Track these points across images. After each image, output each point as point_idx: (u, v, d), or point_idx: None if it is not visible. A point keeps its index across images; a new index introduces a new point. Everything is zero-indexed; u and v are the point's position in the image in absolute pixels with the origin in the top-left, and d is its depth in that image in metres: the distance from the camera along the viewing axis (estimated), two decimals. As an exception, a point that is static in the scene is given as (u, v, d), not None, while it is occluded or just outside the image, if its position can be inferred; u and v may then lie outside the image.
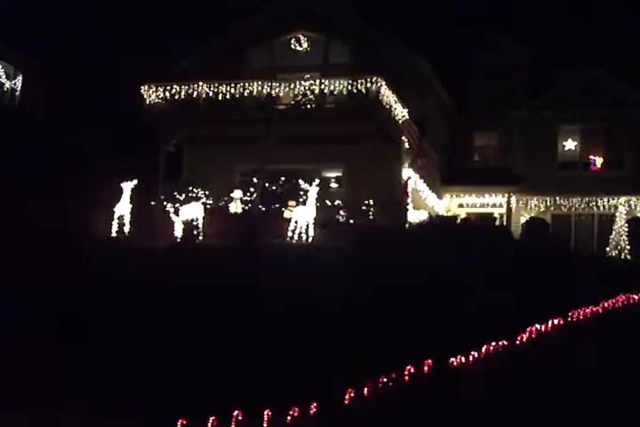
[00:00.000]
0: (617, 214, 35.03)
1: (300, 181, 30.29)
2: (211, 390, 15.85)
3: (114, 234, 29.47)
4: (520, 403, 15.82)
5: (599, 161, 40.12)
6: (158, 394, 15.79)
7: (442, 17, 48.81)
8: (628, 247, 33.76)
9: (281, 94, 33.67)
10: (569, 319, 21.26)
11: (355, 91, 32.34)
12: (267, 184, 32.79)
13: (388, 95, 32.48)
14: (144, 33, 48.42)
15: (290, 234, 28.41)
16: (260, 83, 33.45)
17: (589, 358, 18.07)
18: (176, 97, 34.05)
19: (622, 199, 37.50)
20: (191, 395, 15.55)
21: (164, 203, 31.49)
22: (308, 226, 28.48)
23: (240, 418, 14.32)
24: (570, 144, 40.61)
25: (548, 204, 39.67)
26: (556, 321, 20.64)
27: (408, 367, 16.30)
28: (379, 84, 32.07)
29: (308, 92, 32.97)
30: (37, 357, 17.55)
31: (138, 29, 48.90)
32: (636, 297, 24.64)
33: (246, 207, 32.20)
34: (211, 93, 33.62)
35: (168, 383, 16.21)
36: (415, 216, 33.84)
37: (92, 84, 44.48)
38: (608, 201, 38.75)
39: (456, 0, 52.17)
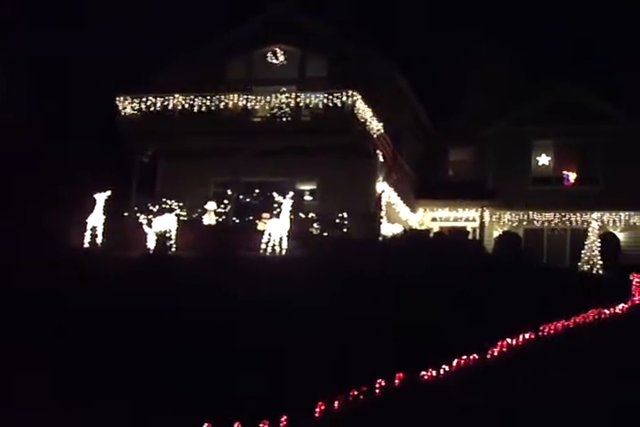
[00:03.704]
0: (589, 229, 35.09)
1: (275, 194, 30.32)
2: (184, 400, 15.80)
3: (86, 245, 29.36)
4: (492, 414, 15.86)
5: (572, 176, 40.32)
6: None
7: (418, 31, 49.09)
8: (601, 262, 33.87)
9: (257, 107, 33.71)
10: (540, 333, 21.36)
11: (330, 104, 32.46)
12: (241, 196, 32.81)
13: (363, 109, 32.61)
14: (121, 42, 48.42)
15: (263, 246, 28.41)
16: (235, 95, 33.51)
17: (560, 372, 18.16)
18: (151, 109, 34.03)
19: (595, 214, 37.65)
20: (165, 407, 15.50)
21: (138, 214, 31.43)
22: (281, 238, 28.48)
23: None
24: (543, 159, 40.79)
25: (521, 218, 39.80)
26: (527, 335, 20.73)
27: (379, 381, 16.32)
28: (354, 98, 32.22)
29: (283, 105, 33.04)
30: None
31: (115, 38, 48.91)
32: (607, 312, 24.77)
33: (220, 219, 32.19)
34: (186, 105, 33.65)
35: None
36: (389, 229, 33.89)
37: (66, 94, 44.35)
38: (581, 216, 38.93)
39: (430, 14, 52.45)
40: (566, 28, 54.60)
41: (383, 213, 33.75)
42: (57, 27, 48.76)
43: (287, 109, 33.00)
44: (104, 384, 16.35)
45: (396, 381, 16.65)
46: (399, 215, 36.99)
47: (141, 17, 50.97)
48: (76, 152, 39.84)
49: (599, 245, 34.36)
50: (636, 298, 27.55)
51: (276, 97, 33.20)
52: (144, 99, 34.12)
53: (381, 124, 33.91)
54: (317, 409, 15.10)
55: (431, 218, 41.45)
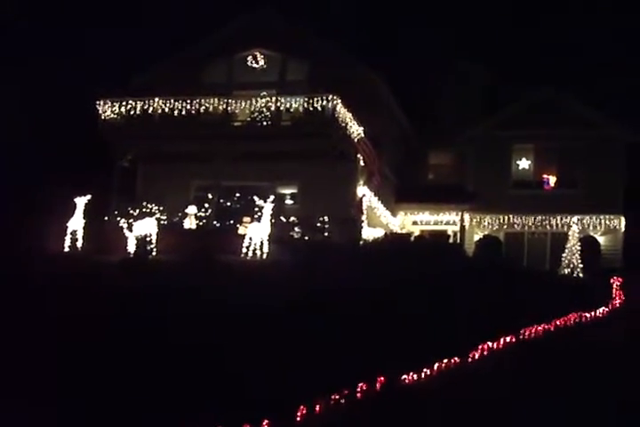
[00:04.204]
0: (570, 233, 35.18)
1: (255, 198, 30.30)
2: (165, 403, 15.74)
3: (66, 249, 29.27)
4: (473, 418, 15.88)
5: (552, 180, 40.41)
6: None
7: (398, 38, 49.21)
8: (581, 266, 33.97)
9: (237, 111, 33.68)
10: (520, 337, 21.41)
11: (311, 108, 32.47)
12: (221, 200, 32.76)
13: (343, 113, 32.65)
14: (102, 45, 48.36)
15: (244, 250, 28.38)
16: (216, 99, 33.50)
17: (540, 376, 18.20)
18: (131, 112, 33.97)
19: (575, 218, 37.75)
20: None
21: (118, 218, 31.35)
22: (262, 242, 28.48)
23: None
24: (524, 163, 40.88)
25: (502, 222, 39.86)
26: (507, 339, 20.77)
27: (360, 384, 16.30)
28: (335, 103, 32.25)
29: (264, 109, 33.01)
30: None
31: (96, 41, 48.83)
32: (587, 315, 24.86)
33: (201, 223, 32.14)
34: (166, 109, 33.60)
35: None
36: (370, 233, 33.92)
37: (45, 98, 44.20)
38: (561, 220, 39.03)
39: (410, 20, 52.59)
40: (547, 32, 54.78)
41: (364, 217, 33.77)
42: (37, 27, 48.70)
43: (267, 113, 32.98)
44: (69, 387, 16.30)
45: (377, 385, 16.63)
46: (380, 219, 37.00)
47: (121, 20, 50.96)
48: (56, 156, 39.68)
49: (579, 248, 34.47)
50: (617, 301, 27.70)
51: (257, 101, 33.20)
52: (124, 102, 34.06)
53: (362, 128, 33.95)
54: (299, 413, 15.06)
55: (412, 222, 41.49)
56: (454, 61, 43.78)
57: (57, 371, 16.95)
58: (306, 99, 32.67)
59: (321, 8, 46.64)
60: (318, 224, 31.26)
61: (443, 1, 57.57)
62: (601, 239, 38.49)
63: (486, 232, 39.22)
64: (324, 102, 32.36)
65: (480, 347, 19.75)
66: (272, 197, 29.59)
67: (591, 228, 38.78)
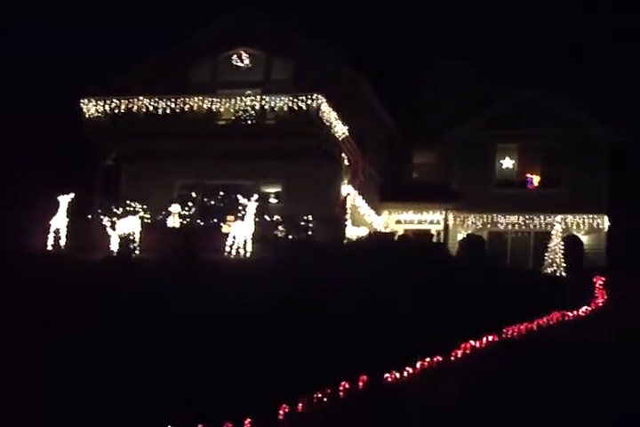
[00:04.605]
0: (553, 232, 35.25)
1: (239, 196, 30.27)
2: (146, 402, 15.72)
3: (49, 247, 29.20)
4: (454, 417, 15.91)
5: (536, 179, 40.52)
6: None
7: (384, 37, 49.22)
8: (564, 265, 34.05)
9: (222, 110, 33.65)
10: (503, 336, 21.44)
11: (295, 107, 32.50)
12: (205, 199, 32.73)
13: (328, 112, 32.67)
14: (87, 43, 48.26)
15: (228, 249, 28.36)
16: (200, 98, 33.51)
17: (523, 374, 18.24)
18: (116, 111, 33.93)
19: (558, 217, 37.82)
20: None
21: (101, 216, 31.28)
22: (246, 241, 28.46)
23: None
24: (507, 162, 40.97)
25: (485, 221, 39.96)
26: (490, 338, 20.80)
27: (343, 383, 16.30)
28: (319, 102, 32.28)
29: (248, 108, 33.01)
30: None
31: (81, 39, 48.73)
32: (570, 314, 24.91)
33: (184, 222, 32.11)
34: (151, 108, 33.57)
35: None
36: (354, 232, 33.94)
37: (28, 96, 44.10)
38: (544, 219, 39.14)
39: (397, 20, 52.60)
40: (531, 30, 54.84)
41: (348, 216, 33.79)
42: (21, 26, 48.58)
43: (252, 112, 32.99)
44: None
45: (360, 383, 16.64)
46: (364, 218, 37.04)
47: (106, 19, 50.86)
48: (40, 154, 39.60)
49: (562, 247, 34.55)
50: (600, 300, 27.77)
51: (241, 100, 33.20)
52: (108, 101, 34.01)
53: (346, 127, 33.99)
54: (281, 412, 15.06)
55: (396, 221, 41.54)
56: (440, 61, 43.86)
57: (39, 369, 16.92)
58: (290, 98, 32.70)
59: (307, 8, 46.56)
60: (302, 223, 31.28)
61: (428, 1, 57.62)
62: (584, 238, 38.60)
63: (470, 231, 39.32)
64: (309, 102, 32.39)
65: (463, 346, 19.77)
66: (256, 196, 29.55)
67: (574, 227, 38.91)
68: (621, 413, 16.22)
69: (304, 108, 32.44)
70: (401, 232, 38.93)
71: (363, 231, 34.83)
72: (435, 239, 39.24)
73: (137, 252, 28.76)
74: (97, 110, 34.11)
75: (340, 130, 33.67)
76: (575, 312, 25.21)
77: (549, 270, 34.01)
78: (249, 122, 33.01)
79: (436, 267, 25.98)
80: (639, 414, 16.16)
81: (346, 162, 34.68)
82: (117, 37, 49.74)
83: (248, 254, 28.24)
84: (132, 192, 34.31)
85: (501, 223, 39.86)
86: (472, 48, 48.51)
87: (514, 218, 39.69)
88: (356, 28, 48.10)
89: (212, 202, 32.67)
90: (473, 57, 44.99)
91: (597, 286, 29.67)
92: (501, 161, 41.04)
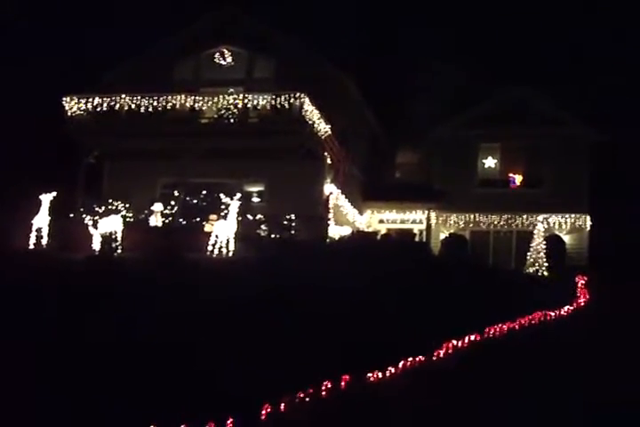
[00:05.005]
0: (535, 232, 35.38)
1: (222, 195, 30.20)
2: (128, 402, 15.67)
3: (31, 246, 29.09)
4: (436, 416, 15.92)
5: (518, 179, 40.63)
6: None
7: (370, 37, 49.25)
8: (546, 264, 34.16)
9: (204, 108, 33.58)
10: (485, 335, 21.48)
11: (278, 106, 32.45)
12: (188, 198, 32.66)
13: (311, 111, 32.63)
14: (69, 43, 48.11)
15: (210, 248, 28.30)
16: (182, 96, 33.41)
17: (504, 373, 18.28)
18: (98, 109, 33.80)
19: (540, 217, 37.89)
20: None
21: (83, 215, 31.19)
22: (228, 240, 28.41)
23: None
24: (490, 162, 41.06)
25: (468, 220, 40.06)
26: (472, 337, 20.83)
27: (325, 382, 16.30)
28: (302, 100, 32.23)
29: (231, 106, 32.95)
30: None
31: (65, 37, 48.58)
32: (552, 314, 24.98)
33: (166, 221, 32.04)
34: (133, 106, 33.45)
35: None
36: (337, 231, 33.94)
37: (10, 94, 43.92)
38: (527, 218, 39.25)
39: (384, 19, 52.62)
40: (514, 30, 54.98)
41: (331, 215, 33.77)
42: (6, 25, 48.38)
43: (234, 111, 32.91)
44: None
45: (342, 383, 16.63)
46: (347, 217, 37.03)
47: (89, 17, 50.74)
48: (22, 153, 39.46)
49: (545, 247, 34.66)
50: (582, 300, 27.87)
51: (224, 98, 33.12)
52: (91, 99, 33.90)
53: (329, 126, 33.97)
54: (263, 411, 15.04)
55: (378, 220, 41.58)
56: (427, 61, 43.94)
57: (18, 368, 16.85)
58: (273, 96, 32.65)
59: (294, 8, 46.58)
60: (285, 222, 31.25)
61: (418, 0, 57.71)
62: (566, 238, 38.75)
63: (452, 231, 39.43)
64: (292, 100, 32.34)
65: (445, 345, 19.80)
66: (239, 195, 29.49)
67: (557, 226, 39.05)
68: (602, 413, 16.27)
69: (287, 106, 32.39)
70: (384, 231, 38.95)
71: (346, 230, 34.84)
72: (417, 239, 39.28)
73: (119, 251, 28.68)
74: (79, 108, 33.96)
75: (323, 128, 33.65)
76: (557, 312, 25.29)
77: (531, 270, 34.16)
78: (231, 120, 32.94)
79: (418, 266, 26.01)
80: (619, 414, 16.21)
81: (329, 161, 34.68)
82: (106, 36, 49.67)
83: (230, 254, 28.18)
84: (114, 191, 34.21)
85: (484, 223, 39.95)
86: (460, 48, 48.61)
87: (496, 217, 39.80)
88: (344, 28, 48.07)
89: (195, 201, 32.59)
90: (461, 57, 45.07)
91: (579, 285, 29.78)
92: (484, 160, 41.13)
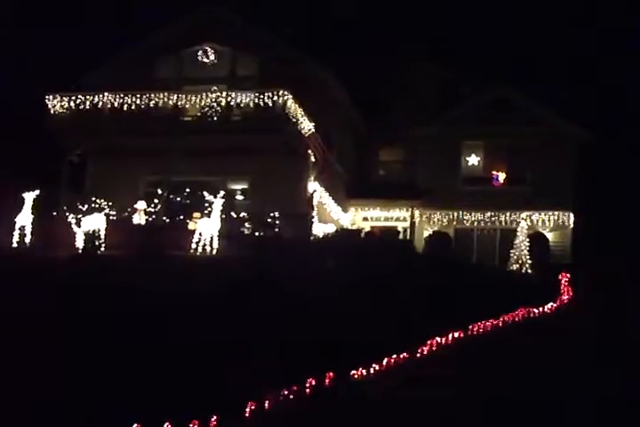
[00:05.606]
0: (519, 229, 35.43)
1: (205, 193, 30.15)
2: (112, 399, 15.64)
3: (14, 244, 29.02)
4: (422, 413, 15.95)
5: (502, 176, 40.64)
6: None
7: (353, 35, 49.12)
8: (530, 262, 34.23)
9: (187, 106, 33.53)
10: (469, 332, 21.51)
11: (261, 104, 32.44)
12: (171, 196, 32.62)
13: (294, 109, 32.63)
14: (51, 41, 47.95)
15: (194, 246, 28.27)
16: (165, 94, 33.34)
17: (487, 370, 18.32)
18: (81, 107, 33.72)
19: (524, 214, 37.86)
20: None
21: (67, 213, 31.10)
22: (212, 238, 28.39)
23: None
24: (473, 159, 41.05)
25: (451, 218, 40.02)
26: (456, 334, 20.86)
27: (309, 380, 16.30)
28: (285, 98, 32.22)
29: (214, 104, 32.91)
30: None
31: (48, 39, 48.42)
32: (535, 311, 25.04)
33: (150, 219, 31.98)
34: (116, 104, 33.39)
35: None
36: (321, 229, 33.91)
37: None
38: (510, 216, 39.25)
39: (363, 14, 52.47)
40: (499, 29, 54.97)
41: (315, 213, 33.74)
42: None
43: (218, 108, 32.88)
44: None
45: (327, 380, 16.64)
46: (331, 215, 37.01)
47: (71, 16, 50.56)
48: (4, 150, 39.29)
49: (528, 244, 34.71)
50: (565, 297, 27.93)
51: (207, 96, 33.09)
52: (74, 97, 33.82)
53: (313, 123, 33.95)
54: (247, 409, 15.04)
55: (362, 218, 41.53)
56: (410, 59, 43.83)
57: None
58: (256, 94, 32.63)
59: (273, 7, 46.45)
60: (269, 220, 31.20)
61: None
62: (550, 236, 38.76)
63: (436, 228, 39.37)
64: (275, 98, 32.33)
65: (429, 342, 19.82)
66: (222, 193, 29.48)
67: (540, 224, 39.02)
68: (586, 408, 16.34)
69: (270, 104, 32.39)
70: (368, 229, 38.90)
71: (330, 228, 34.80)
72: (401, 236, 39.23)
73: (102, 249, 28.63)
74: (62, 106, 33.87)
75: (307, 126, 33.63)
76: (540, 309, 25.34)
77: (515, 267, 34.19)
78: (215, 118, 32.90)
79: (402, 263, 26.03)
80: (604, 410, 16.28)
81: (312, 158, 34.65)
82: (91, 35, 49.43)
83: (214, 251, 28.17)
84: (97, 189, 34.08)
85: (467, 220, 39.93)
86: (445, 46, 48.50)
87: (480, 215, 39.77)
88: (329, 26, 47.95)
89: (179, 199, 32.59)
90: (445, 55, 44.98)
91: (562, 282, 29.83)
92: (467, 158, 41.11)
